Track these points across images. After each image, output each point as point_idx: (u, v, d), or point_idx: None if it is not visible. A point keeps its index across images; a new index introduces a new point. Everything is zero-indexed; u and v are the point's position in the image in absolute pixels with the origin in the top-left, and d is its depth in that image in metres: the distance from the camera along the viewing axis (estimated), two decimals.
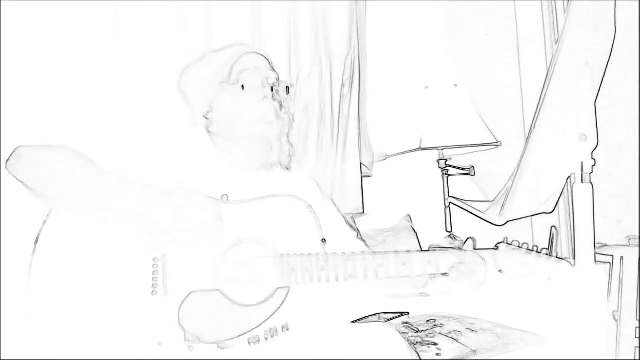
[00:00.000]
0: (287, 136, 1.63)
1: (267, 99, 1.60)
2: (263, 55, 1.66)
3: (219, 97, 1.62)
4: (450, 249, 1.56)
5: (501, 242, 1.57)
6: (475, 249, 1.57)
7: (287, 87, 1.66)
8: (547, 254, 1.55)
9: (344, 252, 1.53)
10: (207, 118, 1.63)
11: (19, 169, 1.46)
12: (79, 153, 1.47)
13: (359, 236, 1.72)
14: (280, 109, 1.62)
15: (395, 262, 1.53)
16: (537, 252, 1.54)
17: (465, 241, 1.57)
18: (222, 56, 1.65)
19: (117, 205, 1.45)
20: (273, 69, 1.66)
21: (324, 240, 1.55)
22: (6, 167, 1.47)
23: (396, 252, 1.54)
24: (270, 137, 1.60)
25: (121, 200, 1.44)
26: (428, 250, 1.57)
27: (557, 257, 1.54)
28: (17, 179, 1.46)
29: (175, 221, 1.46)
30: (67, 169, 1.46)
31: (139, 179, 1.48)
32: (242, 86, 1.60)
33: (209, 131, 1.63)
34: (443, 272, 1.53)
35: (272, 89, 1.61)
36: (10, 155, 1.48)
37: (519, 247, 1.55)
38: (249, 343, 1.46)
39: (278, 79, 1.64)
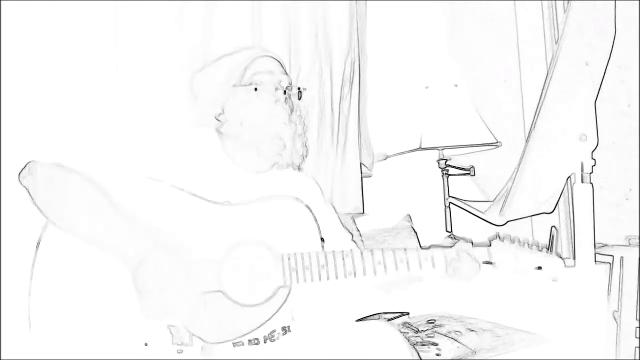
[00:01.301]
0: (301, 137, 1.64)
1: (280, 102, 1.60)
2: (276, 59, 1.66)
3: (231, 99, 1.62)
4: (446, 247, 1.59)
5: (494, 238, 1.60)
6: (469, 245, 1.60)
7: (300, 92, 1.66)
8: (537, 247, 1.58)
9: (342, 250, 1.55)
10: (218, 120, 1.63)
11: (29, 183, 1.48)
12: (90, 180, 1.47)
13: (353, 239, 1.72)
14: (292, 113, 1.62)
15: (393, 259, 1.55)
16: (528, 246, 1.57)
17: (457, 242, 1.60)
18: (235, 59, 1.65)
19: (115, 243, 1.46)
20: (286, 73, 1.66)
21: (322, 240, 1.56)
22: (18, 178, 1.49)
23: (393, 249, 1.56)
24: (284, 135, 1.60)
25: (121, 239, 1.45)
26: (424, 248, 1.60)
27: (547, 251, 1.56)
28: (27, 191, 1.48)
29: (177, 227, 1.46)
30: (74, 196, 1.47)
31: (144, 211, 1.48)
32: (255, 88, 1.60)
33: (220, 132, 1.64)
34: (439, 268, 1.56)
35: (284, 92, 1.62)
36: (23, 168, 1.49)
37: (510, 241, 1.58)
38: (233, 345, 1.47)
39: (291, 84, 1.64)
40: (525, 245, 1.57)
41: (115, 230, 1.45)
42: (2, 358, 1.57)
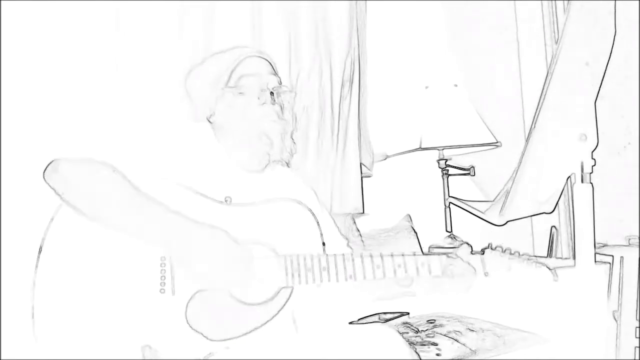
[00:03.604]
0: (290, 134, 1.65)
1: (267, 104, 1.61)
2: (265, 59, 1.66)
3: (219, 101, 1.63)
4: (442, 253, 1.62)
5: (486, 247, 1.65)
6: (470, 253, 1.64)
7: (290, 91, 1.67)
8: (527, 258, 1.63)
9: (343, 254, 1.57)
10: (210, 121, 1.65)
11: (55, 181, 1.48)
12: (117, 171, 1.49)
13: (348, 244, 1.74)
14: (282, 112, 1.63)
15: (391, 263, 1.57)
16: (519, 256, 1.62)
17: (460, 245, 1.63)
18: (224, 59, 1.66)
19: (142, 225, 1.47)
20: (275, 73, 1.66)
21: (324, 244, 1.59)
22: (44, 178, 1.49)
23: (391, 254, 1.58)
24: (271, 134, 1.61)
25: (148, 221, 1.47)
26: (421, 254, 1.62)
27: (537, 262, 1.61)
28: (54, 190, 1.48)
29: (182, 225, 1.47)
30: (105, 187, 1.48)
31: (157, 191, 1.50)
32: (241, 92, 1.61)
33: (214, 130, 1.65)
34: (435, 274, 1.60)
35: (271, 93, 1.62)
36: (47, 167, 1.49)
37: (502, 251, 1.63)
38: None
39: (280, 84, 1.65)
40: (516, 255, 1.62)
41: (148, 215, 1.46)
42: (2, 358, 1.57)
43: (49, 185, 1.48)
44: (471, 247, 1.63)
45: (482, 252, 1.63)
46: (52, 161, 1.49)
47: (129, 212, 1.46)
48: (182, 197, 1.51)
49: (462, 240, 1.69)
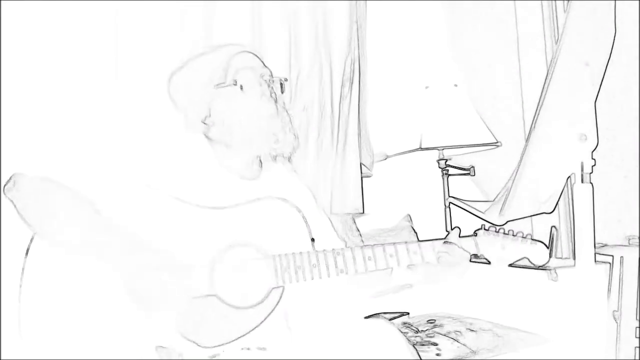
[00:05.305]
0: (290, 127, 1.63)
1: (265, 96, 1.60)
2: (254, 53, 1.65)
3: (216, 100, 1.60)
4: (434, 240, 1.58)
5: (479, 229, 1.61)
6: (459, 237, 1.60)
7: (281, 83, 1.65)
8: (522, 236, 1.59)
9: (333, 248, 1.55)
10: (205, 123, 1.61)
11: (14, 196, 1.48)
12: (76, 193, 1.47)
13: (346, 246, 1.72)
14: (276, 104, 1.62)
15: (383, 254, 1.54)
16: (513, 235, 1.58)
17: (452, 230, 1.61)
18: (214, 58, 1.63)
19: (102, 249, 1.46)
20: (265, 66, 1.65)
21: (313, 240, 1.56)
22: (3, 191, 1.49)
23: (383, 244, 1.56)
24: (275, 129, 1.60)
25: (109, 246, 1.45)
26: (414, 241, 1.59)
27: (532, 240, 1.57)
28: (12, 203, 1.48)
29: (167, 233, 1.46)
30: (60, 209, 1.47)
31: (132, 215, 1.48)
32: (241, 86, 1.59)
33: (207, 137, 1.62)
34: (428, 261, 1.56)
35: (268, 85, 1.61)
36: (8, 181, 1.49)
37: (496, 232, 1.60)
38: None
39: (272, 75, 1.64)
40: (510, 234, 1.59)
41: (103, 241, 1.45)
42: (2, 358, 1.57)
43: (8, 199, 1.48)
44: (459, 230, 1.60)
45: (475, 234, 1.60)
46: (13, 175, 1.49)
47: (86, 235, 1.45)
48: (165, 203, 1.50)
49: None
